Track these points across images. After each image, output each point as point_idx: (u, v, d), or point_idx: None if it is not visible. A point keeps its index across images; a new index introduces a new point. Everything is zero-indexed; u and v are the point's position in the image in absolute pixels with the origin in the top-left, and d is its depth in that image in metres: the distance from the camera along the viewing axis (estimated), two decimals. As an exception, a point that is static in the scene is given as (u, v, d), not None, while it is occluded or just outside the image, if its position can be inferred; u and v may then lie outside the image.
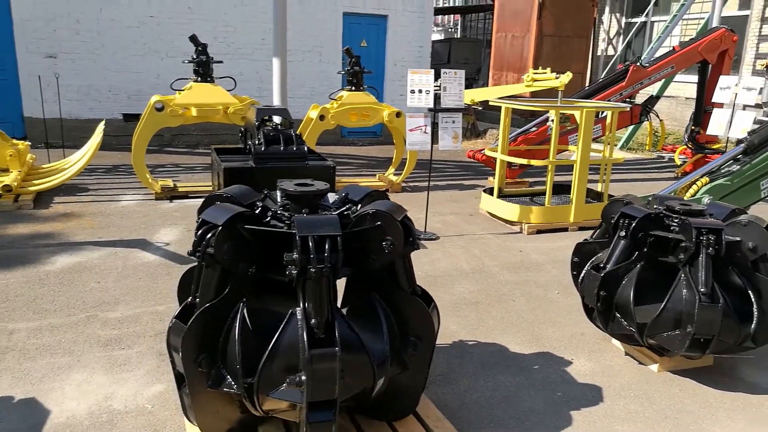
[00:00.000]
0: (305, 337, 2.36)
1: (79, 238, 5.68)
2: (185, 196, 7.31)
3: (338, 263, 2.41)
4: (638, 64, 9.20)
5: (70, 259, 5.14)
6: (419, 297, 2.81)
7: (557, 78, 7.18)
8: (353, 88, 7.77)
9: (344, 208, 2.79)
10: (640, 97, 11.59)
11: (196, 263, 2.89)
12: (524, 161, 6.62)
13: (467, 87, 24.25)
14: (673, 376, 3.63)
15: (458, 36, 28.66)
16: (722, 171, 5.69)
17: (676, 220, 3.49)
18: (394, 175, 8.42)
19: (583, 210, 6.64)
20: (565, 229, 6.60)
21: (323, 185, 2.81)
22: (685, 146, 10.50)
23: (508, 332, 4.14)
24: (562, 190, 7.44)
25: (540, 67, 8.76)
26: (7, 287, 4.51)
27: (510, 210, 6.51)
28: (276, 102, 8.26)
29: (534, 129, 8.72)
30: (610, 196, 6.84)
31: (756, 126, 6.60)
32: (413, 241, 2.69)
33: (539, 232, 6.45)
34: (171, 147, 10.60)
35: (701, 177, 5.65)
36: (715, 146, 10.19)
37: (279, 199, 2.86)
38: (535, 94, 10.26)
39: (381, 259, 2.63)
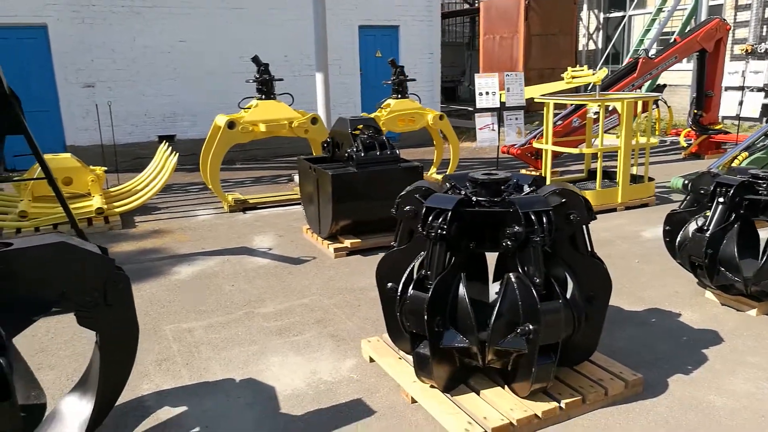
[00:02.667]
0: (534, 293, 2.92)
1: (185, 251, 6.11)
2: (255, 207, 7.77)
3: (552, 233, 2.97)
4: (647, 56, 9.99)
5: (191, 268, 5.59)
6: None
7: (594, 74, 7.88)
8: (399, 96, 8.32)
9: (529, 191, 3.35)
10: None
11: (389, 251, 3.45)
12: (576, 150, 7.26)
13: (454, 89, 24.73)
14: (770, 317, 4.27)
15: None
16: (758, 146, 6.41)
17: (764, 185, 4.14)
18: (437, 173, 8.99)
19: (628, 191, 7.31)
20: (614, 210, 7.26)
21: (504, 174, 3.37)
22: (689, 129, 11.32)
23: (616, 296, 4.71)
24: (593, 176, 8.13)
25: (578, 65, 9.44)
26: (153, 296, 4.95)
27: (564, 196, 7.13)
28: (321, 113, 8.79)
29: (559, 123, 9.41)
30: (650, 178, 7.54)
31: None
32: (591, 213, 3.26)
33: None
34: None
35: (740, 152, 6.36)
36: (716, 127, 11.05)
37: (466, 187, 3.41)
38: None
39: (568, 229, 3.20)
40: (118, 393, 2.82)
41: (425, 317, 3.00)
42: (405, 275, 3.39)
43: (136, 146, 10.61)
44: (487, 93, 6.18)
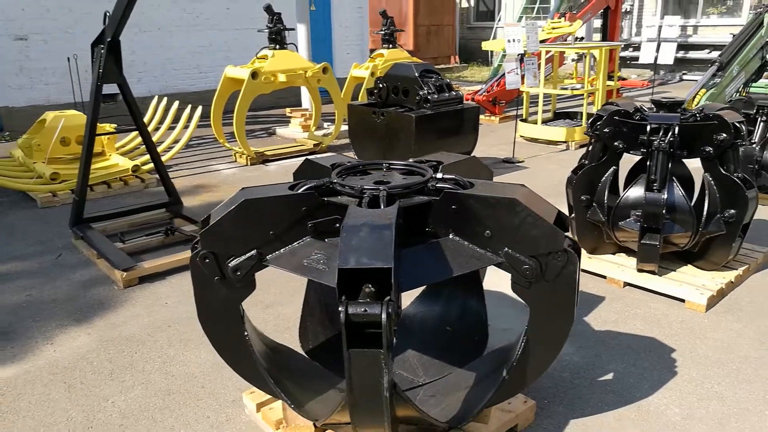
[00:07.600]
0: (741, 184, 3.76)
1: (254, 201, 6.08)
2: (270, 159, 7.75)
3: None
4: (571, 12, 11.35)
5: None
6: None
7: (570, 26, 8.89)
8: (390, 45, 8.67)
9: (697, 112, 4.16)
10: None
11: (580, 168, 4.09)
12: (569, 92, 8.25)
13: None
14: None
15: None
16: (710, 84, 7.93)
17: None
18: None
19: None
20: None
21: (681, 99, 4.16)
22: (593, 77, 13.05)
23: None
24: (561, 116, 9.33)
25: (561, 19, 10.44)
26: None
27: (557, 132, 8.18)
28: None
29: (497, 82, 10.48)
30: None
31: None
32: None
33: (582, 146, 8.22)
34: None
35: (700, 89, 7.84)
36: (615, 75, 12.92)
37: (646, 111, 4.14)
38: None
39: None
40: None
41: (663, 212, 3.73)
42: (607, 186, 4.08)
43: (77, 106, 9.66)
44: (513, 40, 6.87)
